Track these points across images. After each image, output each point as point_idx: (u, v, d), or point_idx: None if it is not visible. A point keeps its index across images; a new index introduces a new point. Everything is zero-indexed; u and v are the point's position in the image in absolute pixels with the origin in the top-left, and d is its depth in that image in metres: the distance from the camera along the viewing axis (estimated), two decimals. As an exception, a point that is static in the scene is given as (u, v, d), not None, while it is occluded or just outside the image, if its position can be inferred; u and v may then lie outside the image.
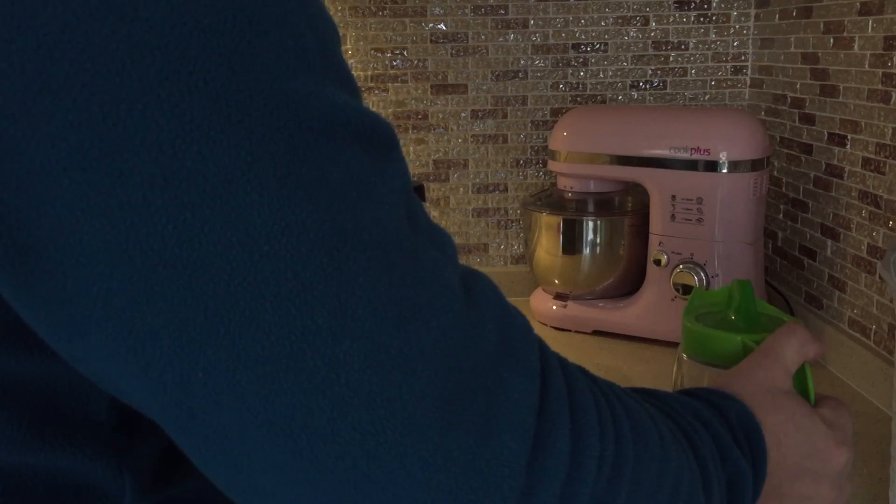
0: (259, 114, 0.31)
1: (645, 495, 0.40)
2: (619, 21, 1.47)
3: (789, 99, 1.31)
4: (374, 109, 1.48)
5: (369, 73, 1.46)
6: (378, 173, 0.34)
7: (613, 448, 0.39)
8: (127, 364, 0.31)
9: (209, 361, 0.31)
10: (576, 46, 1.48)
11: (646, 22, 1.47)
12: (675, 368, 0.67)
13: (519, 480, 0.34)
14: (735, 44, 1.48)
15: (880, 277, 1.05)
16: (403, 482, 0.33)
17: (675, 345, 1.22)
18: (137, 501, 0.40)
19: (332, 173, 0.33)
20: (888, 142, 1.04)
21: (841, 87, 1.15)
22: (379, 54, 1.46)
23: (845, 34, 1.13)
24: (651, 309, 1.25)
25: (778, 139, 1.35)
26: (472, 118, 1.49)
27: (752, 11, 1.46)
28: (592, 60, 1.48)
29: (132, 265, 0.30)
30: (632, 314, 1.27)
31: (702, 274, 1.19)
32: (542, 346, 0.39)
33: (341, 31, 1.43)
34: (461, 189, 1.51)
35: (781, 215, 1.35)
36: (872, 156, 1.07)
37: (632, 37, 1.47)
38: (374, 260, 0.33)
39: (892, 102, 1.03)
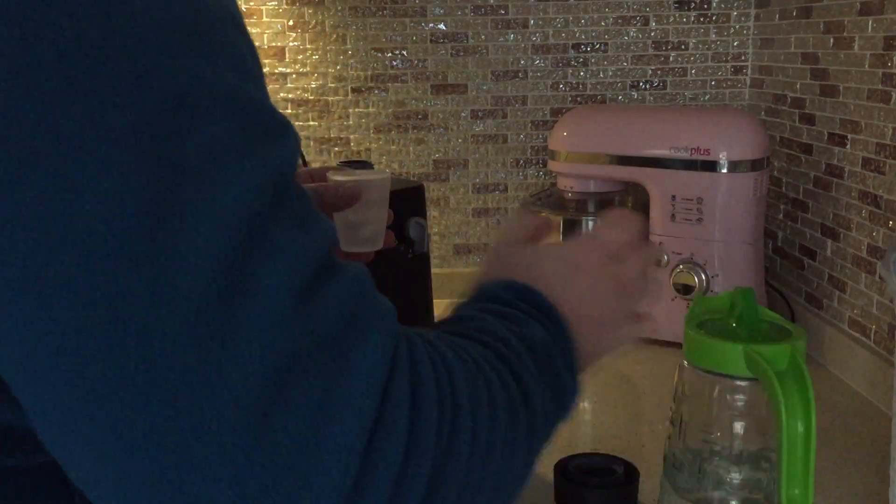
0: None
1: (480, 458, 0.40)
2: (619, 21, 1.47)
3: (789, 99, 1.31)
4: (374, 109, 1.48)
5: (369, 73, 1.46)
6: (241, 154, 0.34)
7: (450, 419, 0.38)
8: None
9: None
10: (576, 46, 1.48)
11: (646, 22, 1.47)
12: (676, 375, 0.67)
13: (353, 466, 0.33)
14: (735, 44, 1.48)
15: (880, 277, 1.05)
16: (222, 465, 0.32)
17: (674, 345, 1.22)
18: None
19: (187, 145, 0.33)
20: (888, 142, 1.04)
21: (841, 87, 1.15)
22: (379, 54, 1.46)
23: (845, 34, 1.13)
24: (651, 309, 1.25)
25: (778, 139, 1.35)
26: (471, 118, 1.49)
27: (752, 11, 1.46)
28: (592, 60, 1.48)
29: None
30: (632, 314, 1.27)
31: (702, 274, 1.19)
32: (395, 333, 0.38)
33: (341, 31, 1.43)
34: (461, 189, 1.51)
35: (781, 215, 1.35)
36: (872, 156, 1.07)
37: (632, 37, 1.48)
38: (205, 234, 0.32)
39: (892, 102, 1.03)
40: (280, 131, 0.37)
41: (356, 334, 0.35)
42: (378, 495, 0.34)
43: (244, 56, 0.37)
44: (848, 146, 1.13)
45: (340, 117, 1.47)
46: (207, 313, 0.32)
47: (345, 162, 1.20)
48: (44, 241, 0.31)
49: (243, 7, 1.41)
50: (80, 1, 0.31)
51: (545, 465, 0.88)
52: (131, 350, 0.31)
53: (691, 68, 1.49)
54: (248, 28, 0.39)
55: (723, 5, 1.46)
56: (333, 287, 0.36)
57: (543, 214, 1.31)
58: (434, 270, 1.23)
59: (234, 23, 0.37)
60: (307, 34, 1.43)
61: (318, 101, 1.47)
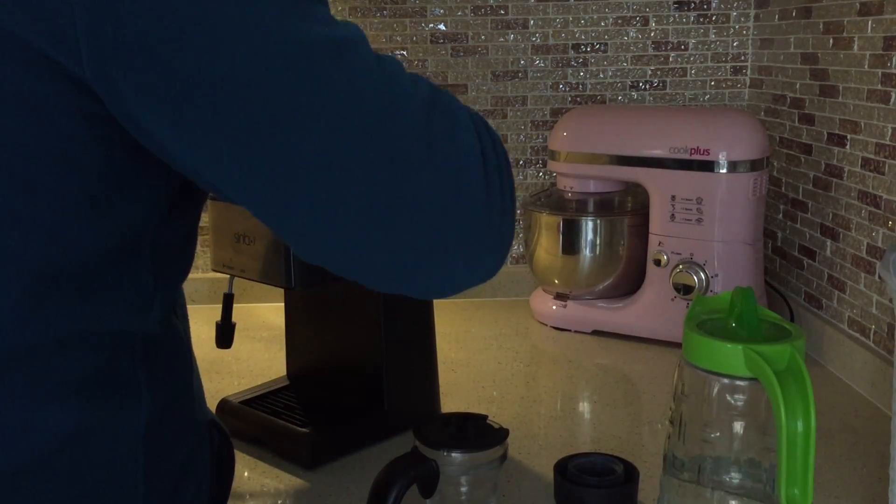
0: None
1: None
2: (619, 21, 1.47)
3: (789, 99, 1.31)
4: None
5: (369, 73, 1.46)
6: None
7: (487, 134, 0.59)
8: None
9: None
10: (576, 47, 1.48)
11: (646, 22, 1.47)
12: (675, 374, 0.67)
13: (478, 155, 0.55)
14: (735, 44, 1.48)
15: (880, 277, 1.06)
16: (418, 165, 0.52)
17: (674, 345, 1.22)
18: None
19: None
20: (888, 142, 1.04)
21: (840, 88, 1.15)
22: (379, 54, 1.46)
23: (845, 34, 1.14)
24: (651, 309, 1.25)
25: (777, 139, 1.35)
26: (471, 118, 1.49)
27: (752, 12, 1.46)
28: (592, 61, 1.48)
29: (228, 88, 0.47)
30: (631, 314, 1.27)
31: (701, 274, 1.19)
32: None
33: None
34: (461, 189, 1.51)
35: (781, 215, 1.35)
36: (872, 156, 1.07)
37: (632, 37, 1.48)
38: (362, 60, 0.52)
39: (891, 102, 1.03)
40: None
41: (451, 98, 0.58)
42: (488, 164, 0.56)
43: None
44: (847, 146, 1.13)
45: (340, 117, 1.47)
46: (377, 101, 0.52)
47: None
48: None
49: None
50: None
51: (545, 465, 0.88)
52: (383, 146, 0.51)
53: (691, 68, 1.49)
54: None
55: (722, 6, 1.46)
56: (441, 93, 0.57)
57: (544, 214, 1.31)
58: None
59: None
60: (307, 34, 1.43)
61: (318, 101, 1.47)
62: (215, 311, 0.94)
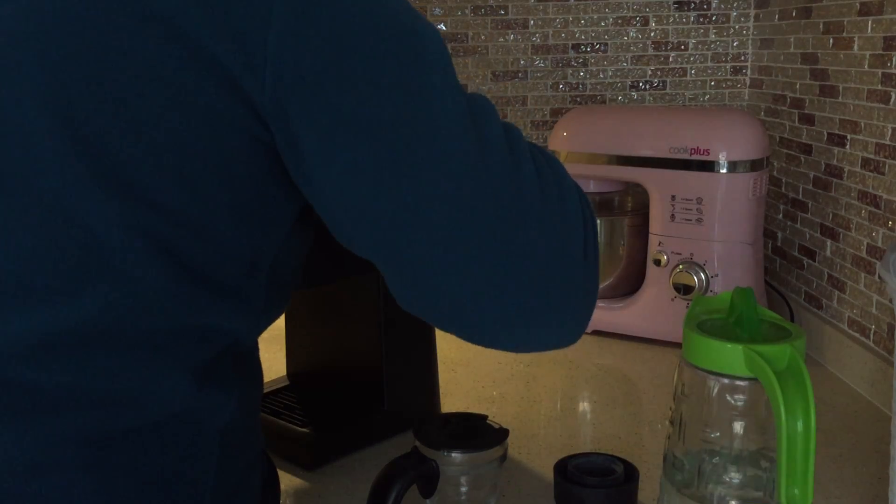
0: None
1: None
2: (619, 21, 1.47)
3: (789, 99, 1.31)
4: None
5: (369, 73, 1.46)
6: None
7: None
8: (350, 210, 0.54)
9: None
10: (576, 47, 1.48)
11: (646, 22, 1.47)
12: (675, 374, 0.67)
13: (580, 218, 0.60)
14: (735, 44, 1.48)
15: (880, 277, 1.06)
16: (531, 224, 0.56)
17: (674, 345, 1.22)
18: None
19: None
20: (888, 142, 1.04)
21: (840, 88, 1.15)
22: (379, 54, 1.46)
23: (845, 34, 1.14)
24: (651, 309, 1.25)
25: (777, 139, 1.35)
26: (471, 118, 1.49)
27: (752, 12, 1.46)
28: (592, 61, 1.48)
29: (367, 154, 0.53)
30: (632, 314, 1.27)
31: (701, 274, 1.19)
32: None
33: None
34: (461, 189, 1.51)
35: (781, 215, 1.35)
36: (872, 156, 1.07)
37: (632, 37, 1.48)
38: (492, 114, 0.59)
39: (891, 102, 1.03)
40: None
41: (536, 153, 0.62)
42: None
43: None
44: (847, 146, 1.13)
45: (340, 117, 1.47)
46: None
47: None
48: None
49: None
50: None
51: (545, 465, 0.88)
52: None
53: (691, 68, 1.49)
54: None
55: (722, 6, 1.46)
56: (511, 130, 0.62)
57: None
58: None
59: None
60: (307, 34, 1.43)
61: (318, 101, 1.47)
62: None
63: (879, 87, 1.05)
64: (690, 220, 1.20)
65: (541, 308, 0.58)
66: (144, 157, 0.50)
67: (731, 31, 1.47)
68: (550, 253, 0.57)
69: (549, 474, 0.78)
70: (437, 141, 0.53)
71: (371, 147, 0.52)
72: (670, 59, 1.48)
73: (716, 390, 0.64)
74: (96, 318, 0.52)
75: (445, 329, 0.59)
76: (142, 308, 0.53)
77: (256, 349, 0.65)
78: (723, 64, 1.49)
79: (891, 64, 1.03)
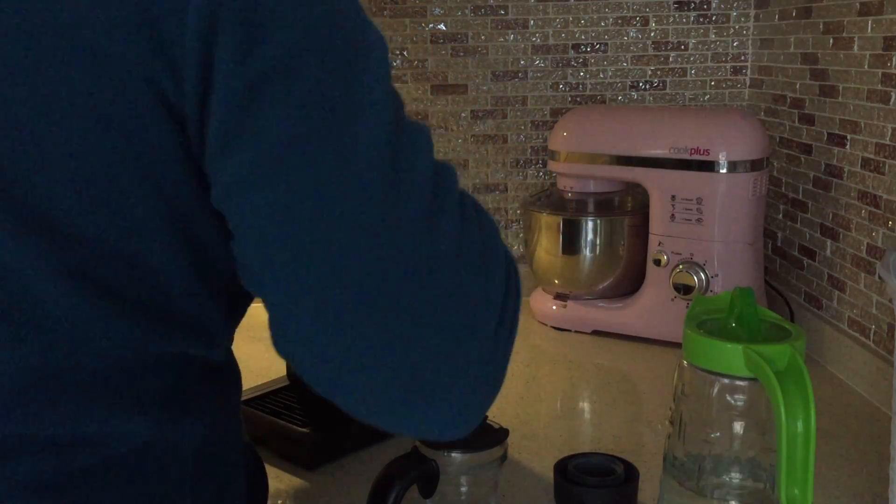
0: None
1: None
2: (619, 21, 1.47)
3: (789, 99, 1.31)
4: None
5: (369, 73, 1.46)
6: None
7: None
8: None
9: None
10: (576, 47, 1.48)
11: (646, 22, 1.47)
12: (676, 374, 0.67)
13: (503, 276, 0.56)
14: (735, 44, 1.48)
15: (880, 277, 1.06)
16: (444, 284, 0.49)
17: (674, 345, 1.22)
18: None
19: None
20: (888, 142, 1.04)
21: (840, 88, 1.15)
22: (379, 54, 1.46)
23: (845, 34, 1.14)
24: (651, 309, 1.25)
25: (777, 139, 1.35)
26: (472, 118, 1.49)
27: (752, 12, 1.46)
28: (592, 61, 1.48)
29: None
30: (631, 314, 1.27)
31: (701, 274, 1.19)
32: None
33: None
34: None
35: (781, 215, 1.35)
36: (872, 156, 1.07)
37: (632, 37, 1.48)
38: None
39: (891, 102, 1.03)
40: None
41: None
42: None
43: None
44: (847, 146, 1.13)
45: (340, 117, 1.47)
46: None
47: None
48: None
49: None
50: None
51: (545, 465, 0.88)
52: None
53: (691, 68, 1.49)
54: None
55: (722, 6, 1.46)
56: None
57: (544, 214, 1.31)
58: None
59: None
60: (307, 34, 1.43)
61: (318, 101, 1.47)
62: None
63: (879, 87, 1.05)
64: (690, 220, 1.20)
65: (429, 382, 0.50)
66: (59, 186, 0.47)
67: (731, 31, 1.47)
68: (452, 321, 0.49)
69: (549, 474, 0.78)
70: (344, 160, 0.47)
71: (270, 153, 0.46)
72: (670, 59, 1.48)
73: (716, 390, 0.64)
74: (36, 367, 0.49)
75: (325, 395, 0.51)
76: (82, 349, 0.50)
77: (230, 353, 0.63)
78: (723, 64, 1.49)
79: (891, 64, 1.03)
